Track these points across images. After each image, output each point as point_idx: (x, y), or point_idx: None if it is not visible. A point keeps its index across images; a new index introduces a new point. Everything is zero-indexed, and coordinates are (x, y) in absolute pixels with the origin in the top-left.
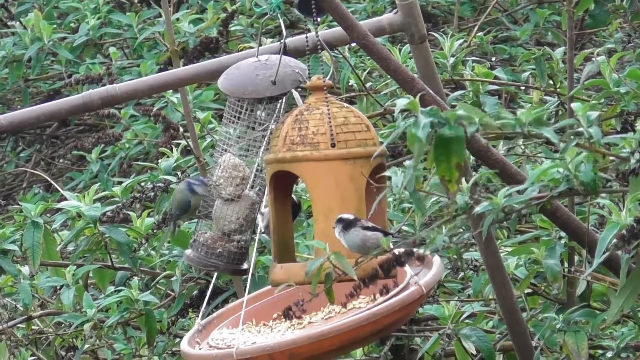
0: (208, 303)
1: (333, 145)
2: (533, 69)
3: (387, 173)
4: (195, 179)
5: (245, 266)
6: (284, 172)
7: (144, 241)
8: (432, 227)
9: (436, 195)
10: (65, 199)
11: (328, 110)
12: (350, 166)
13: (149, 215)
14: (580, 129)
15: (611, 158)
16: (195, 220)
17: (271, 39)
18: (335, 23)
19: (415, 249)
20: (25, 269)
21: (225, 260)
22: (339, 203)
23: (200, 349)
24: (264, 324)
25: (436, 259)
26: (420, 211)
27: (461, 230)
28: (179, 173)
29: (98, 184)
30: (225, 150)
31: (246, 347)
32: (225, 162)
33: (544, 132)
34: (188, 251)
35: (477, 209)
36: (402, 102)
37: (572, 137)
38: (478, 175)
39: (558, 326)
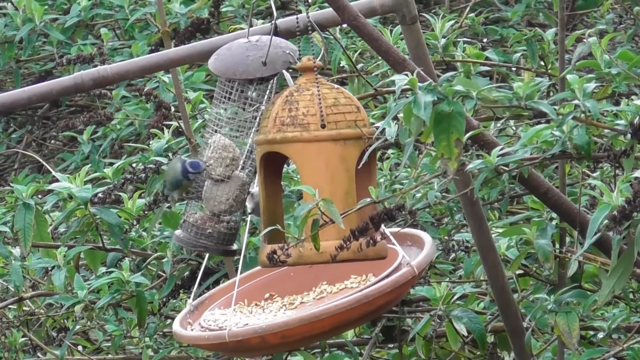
0: (199, 284)
1: (323, 126)
2: (524, 50)
3: (379, 124)
4: (193, 165)
5: (235, 247)
6: (274, 153)
7: (135, 222)
8: (423, 182)
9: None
10: (57, 180)
11: (318, 91)
12: (340, 147)
13: (140, 196)
14: (576, 101)
15: (606, 131)
16: (186, 200)
17: (262, 20)
18: (326, 4)
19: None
20: (17, 251)
21: (215, 240)
22: (329, 184)
23: (192, 329)
24: (256, 304)
25: (428, 240)
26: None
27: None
28: (170, 154)
29: (89, 165)
30: (216, 131)
31: (238, 329)
32: (215, 142)
33: (540, 107)
34: (178, 232)
35: (470, 166)
36: (401, 80)
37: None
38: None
39: (549, 307)
